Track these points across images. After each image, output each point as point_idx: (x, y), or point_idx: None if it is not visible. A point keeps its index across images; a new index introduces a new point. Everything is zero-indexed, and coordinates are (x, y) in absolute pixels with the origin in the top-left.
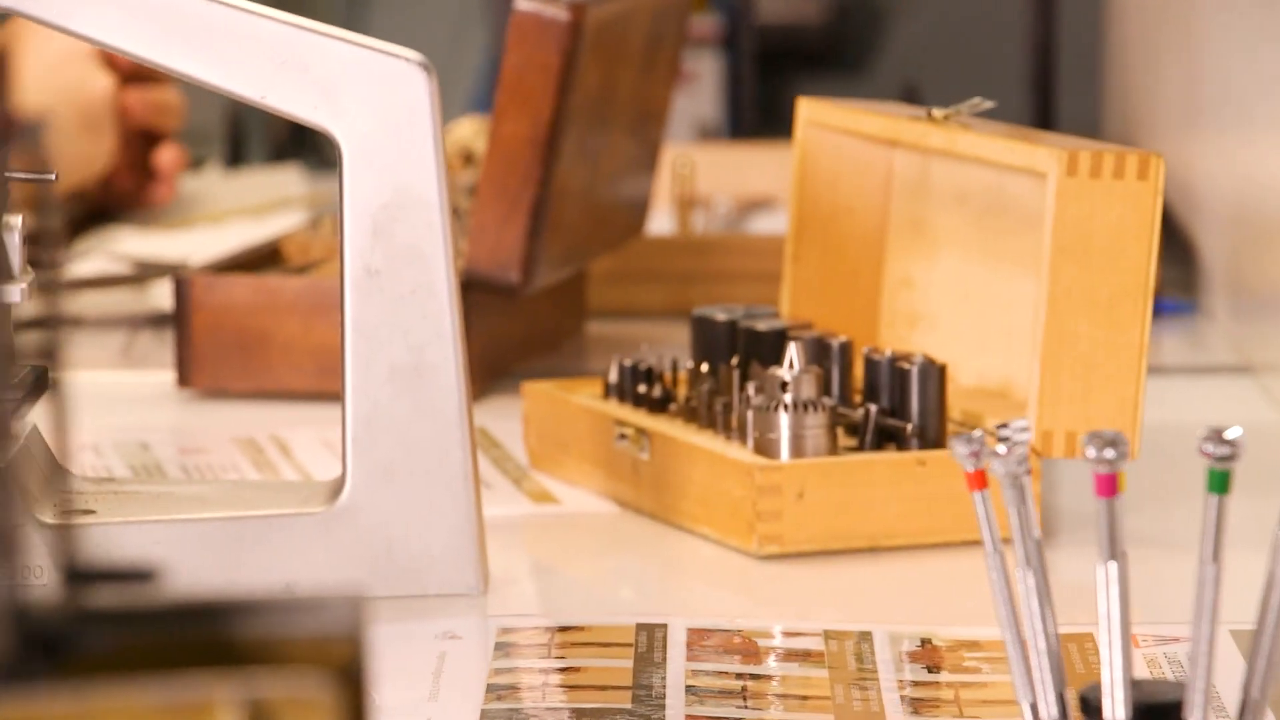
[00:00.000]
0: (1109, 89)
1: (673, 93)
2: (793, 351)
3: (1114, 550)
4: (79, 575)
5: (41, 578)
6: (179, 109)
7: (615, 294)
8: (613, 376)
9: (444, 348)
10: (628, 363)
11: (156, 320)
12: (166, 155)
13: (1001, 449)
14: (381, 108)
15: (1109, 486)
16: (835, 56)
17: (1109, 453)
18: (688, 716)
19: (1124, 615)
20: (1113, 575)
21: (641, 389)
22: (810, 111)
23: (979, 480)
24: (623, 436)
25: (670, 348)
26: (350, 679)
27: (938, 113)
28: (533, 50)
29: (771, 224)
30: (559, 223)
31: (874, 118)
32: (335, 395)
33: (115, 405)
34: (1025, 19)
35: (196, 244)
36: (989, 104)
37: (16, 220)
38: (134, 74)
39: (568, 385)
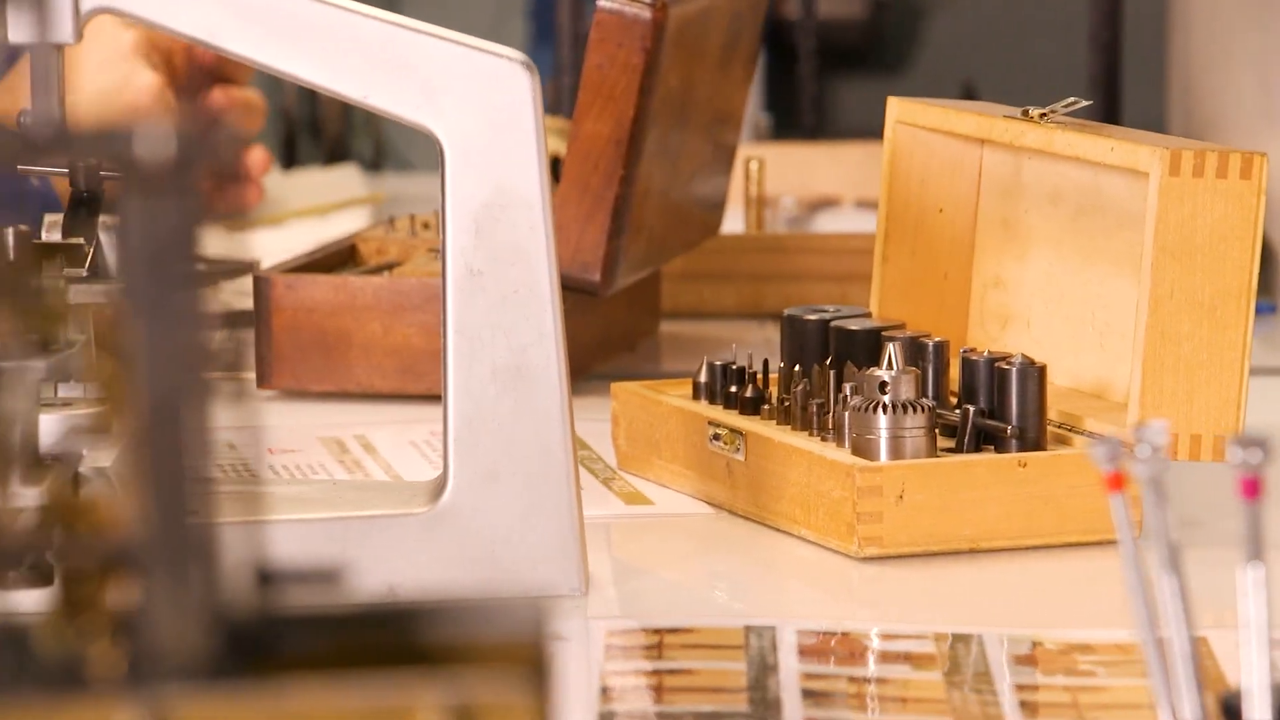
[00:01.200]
0: (1173, 87)
1: (748, 92)
2: (892, 352)
3: (1257, 553)
4: (267, 577)
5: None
6: (262, 109)
7: (688, 294)
8: (703, 376)
9: (546, 348)
10: (719, 363)
11: (232, 320)
12: (254, 156)
13: (1144, 450)
14: (484, 107)
15: (1253, 489)
16: (876, 54)
17: (1254, 455)
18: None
19: (1267, 619)
20: (1257, 579)
21: (733, 389)
22: (900, 110)
23: (1117, 482)
24: (717, 437)
25: (745, 347)
26: (539, 682)
27: (1034, 111)
28: (615, 49)
29: (836, 223)
30: (639, 223)
31: (966, 116)
32: (415, 395)
33: None
34: (1089, 15)
35: (263, 245)
36: (1085, 103)
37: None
38: (215, 74)
39: (657, 385)
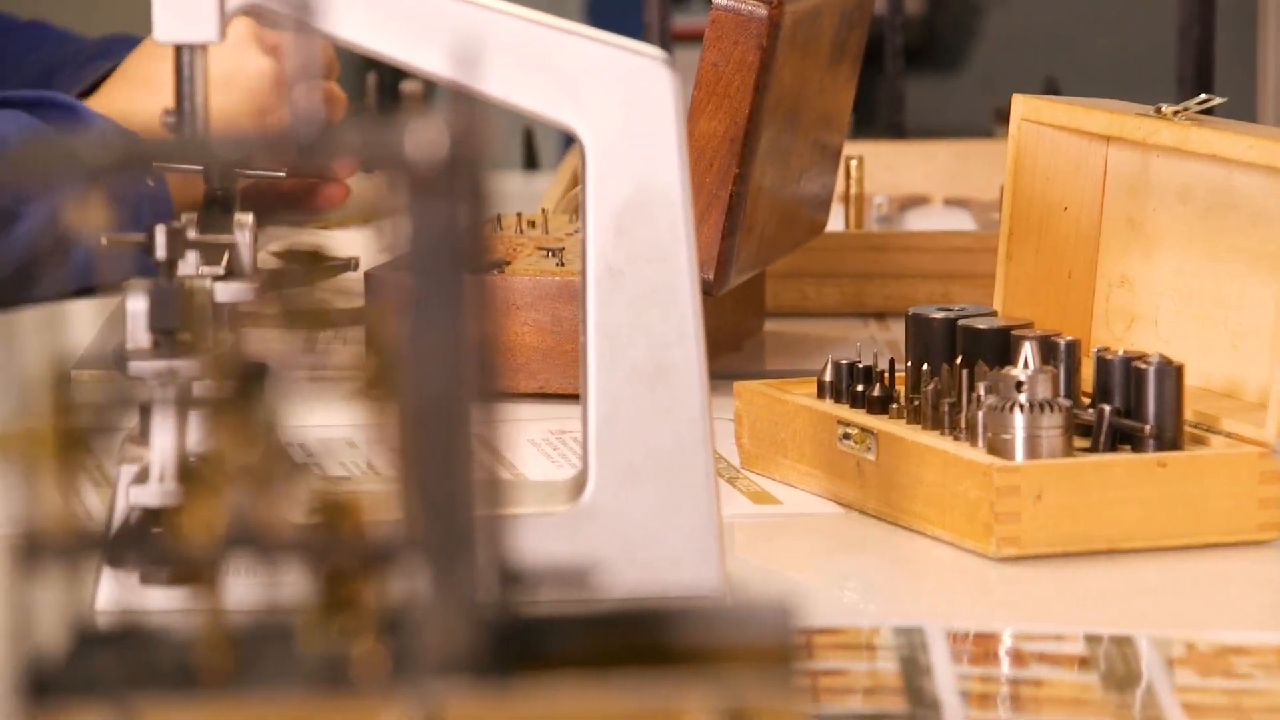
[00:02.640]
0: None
1: (854, 91)
2: (1028, 351)
3: None
4: (518, 577)
5: (491, 579)
6: (344, 103)
7: (790, 292)
8: (828, 375)
9: (686, 348)
10: (844, 362)
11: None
12: None
13: None
14: (625, 105)
15: None
16: (930, 50)
17: None
18: None
19: None
20: None
21: (860, 388)
22: (1026, 107)
23: None
24: (847, 436)
25: (850, 346)
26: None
27: (1167, 109)
28: (731, 47)
29: (927, 221)
30: (751, 222)
31: (1094, 114)
32: (528, 394)
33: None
34: (1179, 9)
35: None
36: (1218, 100)
37: (248, 218)
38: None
39: (780, 384)
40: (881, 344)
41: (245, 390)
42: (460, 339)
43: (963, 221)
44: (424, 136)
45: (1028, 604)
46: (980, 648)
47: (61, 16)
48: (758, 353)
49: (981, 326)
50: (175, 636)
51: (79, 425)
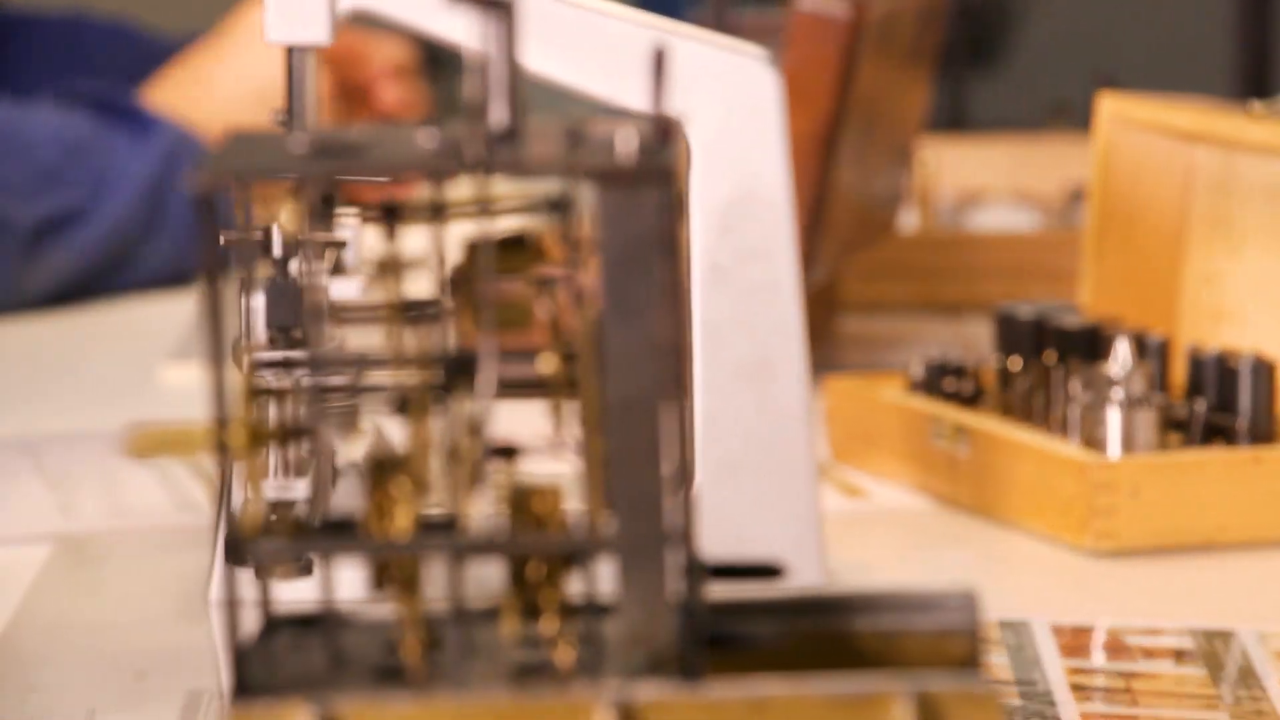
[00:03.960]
0: None
1: (928, 91)
2: (1122, 348)
3: None
4: (708, 571)
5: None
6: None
7: (863, 289)
8: (918, 372)
9: (789, 345)
10: (935, 358)
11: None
12: None
13: None
14: (729, 104)
15: None
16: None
17: None
18: (1083, 715)
19: None
20: None
21: (951, 385)
22: (1112, 106)
23: None
24: (940, 433)
25: (927, 342)
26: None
27: (1259, 107)
28: (814, 48)
29: (993, 217)
30: (832, 220)
31: (1181, 111)
32: None
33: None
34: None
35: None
36: None
37: (353, 215)
38: (384, 69)
39: (869, 380)
40: (959, 340)
41: (448, 385)
42: (655, 338)
43: (1027, 216)
44: (626, 141)
45: (1126, 599)
46: (1084, 641)
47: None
48: (832, 348)
49: (1072, 323)
50: (372, 633)
51: (274, 422)
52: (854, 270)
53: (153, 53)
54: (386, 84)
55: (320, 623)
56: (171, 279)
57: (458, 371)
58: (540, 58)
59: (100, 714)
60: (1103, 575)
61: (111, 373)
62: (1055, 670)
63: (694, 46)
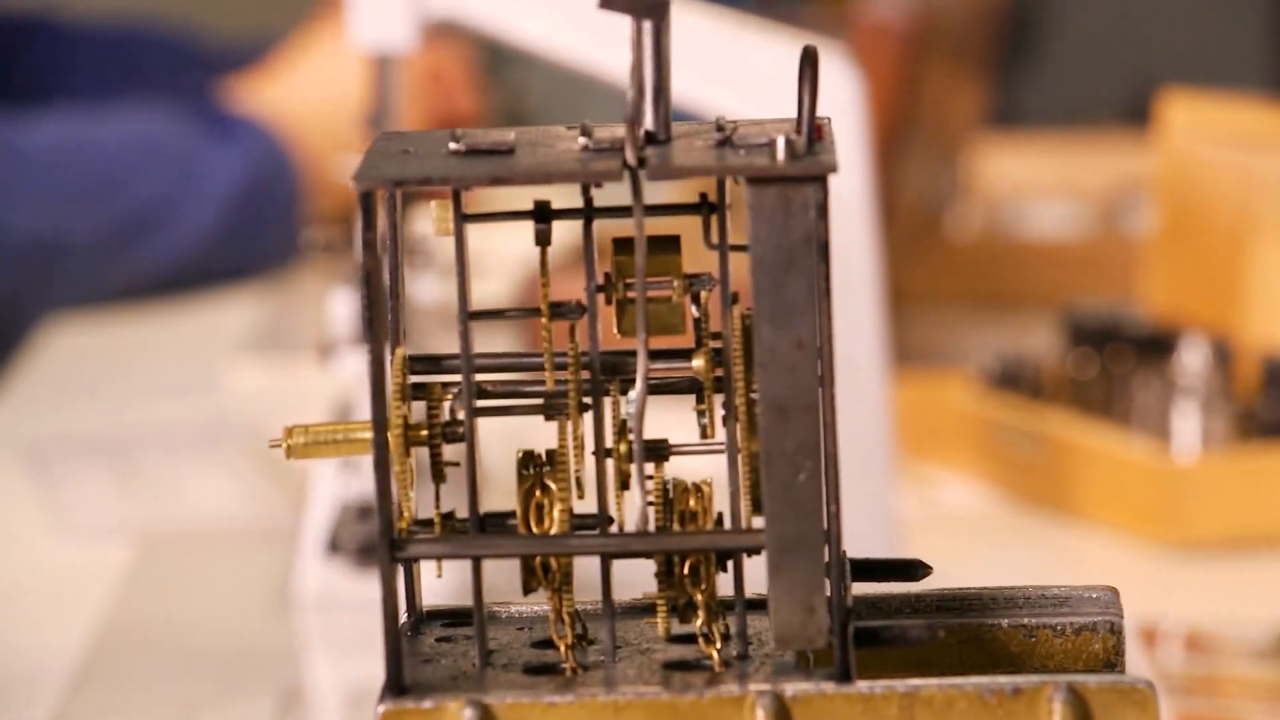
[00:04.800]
0: None
1: (980, 94)
2: (1194, 347)
3: None
4: (855, 570)
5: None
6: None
7: (912, 287)
8: (987, 370)
9: (867, 344)
10: (1002, 357)
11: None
12: None
13: None
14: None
15: None
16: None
17: None
18: (1177, 715)
19: None
20: None
21: (1018, 383)
22: (1176, 106)
23: None
24: (1008, 430)
25: (978, 341)
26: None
27: None
28: (868, 54)
29: (1045, 212)
30: (891, 221)
31: (1244, 113)
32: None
33: None
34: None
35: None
36: None
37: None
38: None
39: (937, 378)
40: (1011, 336)
41: (598, 386)
42: (808, 339)
43: (1074, 212)
44: (787, 147)
45: (1203, 596)
46: (1163, 638)
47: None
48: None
49: (1142, 323)
50: (518, 630)
51: (424, 423)
52: (907, 266)
53: (208, 63)
54: (454, 91)
55: (464, 620)
56: (260, 278)
57: (608, 372)
58: (619, 58)
59: (197, 710)
60: (1177, 572)
61: (179, 371)
62: (1137, 665)
63: (774, 47)
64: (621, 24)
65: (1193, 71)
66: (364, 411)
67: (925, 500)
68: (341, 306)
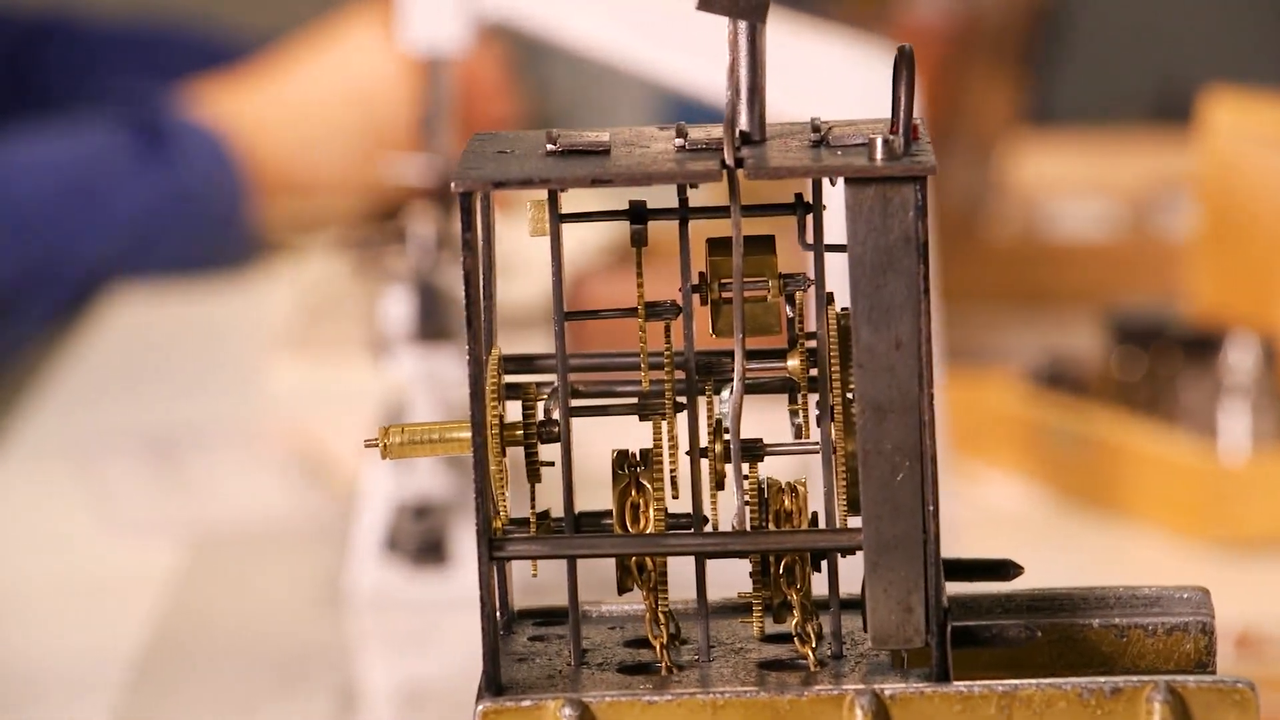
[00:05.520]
0: None
1: (1014, 93)
2: (1240, 347)
3: None
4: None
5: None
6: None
7: (949, 284)
8: (1031, 369)
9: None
10: (1046, 355)
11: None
12: None
13: None
14: (867, 103)
15: None
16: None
17: None
18: None
19: None
20: None
21: (1062, 382)
22: (1220, 105)
23: None
24: (1054, 429)
25: (1026, 339)
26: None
27: None
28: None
29: (1077, 211)
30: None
31: None
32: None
33: None
34: None
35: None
36: None
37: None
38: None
39: (981, 377)
40: (1047, 333)
41: (693, 385)
42: (907, 339)
43: (1111, 211)
44: (885, 147)
45: (1251, 595)
46: (1232, 638)
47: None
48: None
49: (1186, 322)
50: (609, 630)
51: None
52: (942, 265)
53: (229, 60)
54: (488, 94)
55: (555, 619)
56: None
57: (702, 372)
58: (675, 60)
59: (257, 709)
60: (1227, 572)
61: (217, 367)
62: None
63: (833, 48)
64: (674, 23)
65: (1222, 70)
66: (420, 410)
67: (971, 500)
68: (395, 305)
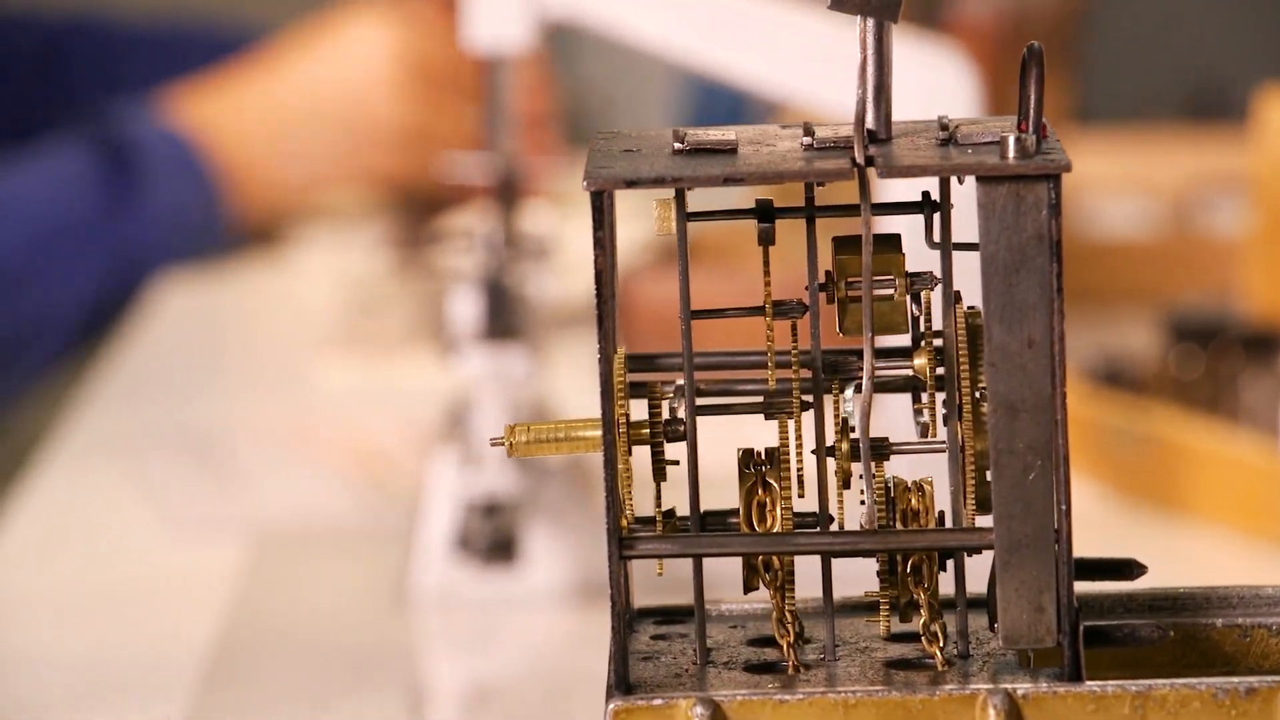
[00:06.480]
0: None
1: (1060, 93)
2: None
3: None
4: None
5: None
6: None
7: None
8: (1085, 367)
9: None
10: (1101, 354)
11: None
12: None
13: None
14: (924, 101)
15: None
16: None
17: None
18: None
19: None
20: None
21: (1119, 381)
22: (1274, 104)
23: None
24: (1116, 431)
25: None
26: None
27: None
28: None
29: (1116, 210)
30: None
31: None
32: None
33: None
34: None
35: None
36: None
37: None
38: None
39: None
40: (1101, 334)
41: (819, 384)
42: (1042, 340)
43: (1151, 209)
44: (1018, 145)
45: None
46: None
47: None
48: None
49: (1242, 322)
50: (736, 630)
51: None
52: None
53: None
54: (531, 91)
55: (675, 618)
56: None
57: (828, 371)
58: (740, 59)
59: (328, 707)
60: None
61: (264, 365)
62: None
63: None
64: (744, 24)
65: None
66: (487, 409)
67: None
68: (464, 305)
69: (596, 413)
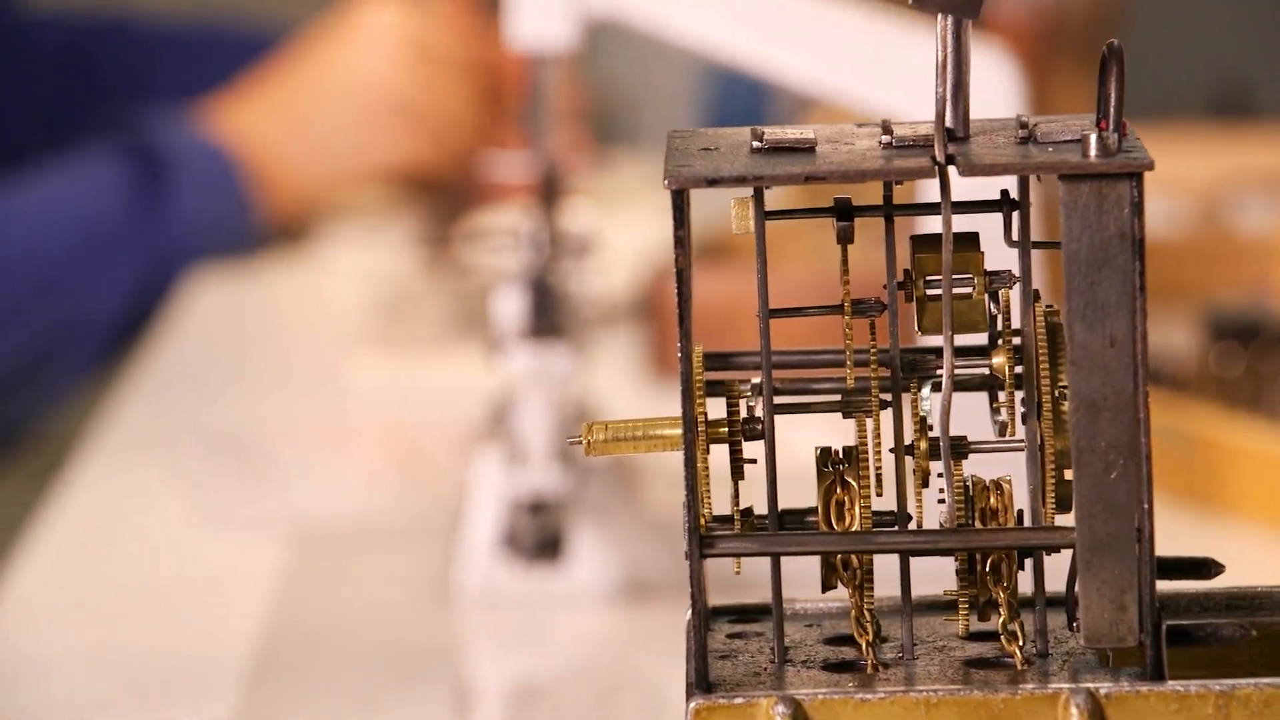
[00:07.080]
0: None
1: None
2: None
3: None
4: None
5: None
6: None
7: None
8: None
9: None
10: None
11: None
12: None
13: None
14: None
15: None
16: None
17: None
18: None
19: None
20: None
21: (1159, 379)
22: None
23: None
24: (1156, 427)
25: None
26: None
27: None
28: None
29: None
30: None
31: None
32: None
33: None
34: None
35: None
36: None
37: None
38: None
39: None
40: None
41: (898, 383)
42: (1124, 339)
43: (1177, 207)
44: (1099, 143)
45: None
46: None
47: None
48: None
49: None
50: (812, 628)
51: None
52: None
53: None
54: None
55: (750, 616)
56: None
57: (906, 369)
58: (782, 56)
59: (379, 702)
60: None
61: (296, 364)
62: None
63: (915, 38)
64: (786, 21)
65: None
66: (531, 407)
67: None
68: (509, 303)
69: (642, 409)
